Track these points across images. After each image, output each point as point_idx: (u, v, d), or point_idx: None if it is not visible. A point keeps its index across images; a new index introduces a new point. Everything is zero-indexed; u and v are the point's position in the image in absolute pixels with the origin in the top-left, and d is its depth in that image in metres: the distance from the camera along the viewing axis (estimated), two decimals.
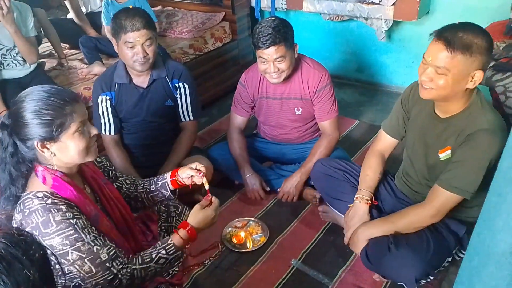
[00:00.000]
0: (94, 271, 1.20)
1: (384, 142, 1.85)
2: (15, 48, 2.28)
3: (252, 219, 2.12)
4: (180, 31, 3.26)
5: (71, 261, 1.18)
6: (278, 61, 1.97)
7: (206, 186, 1.50)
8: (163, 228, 1.74)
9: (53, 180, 1.21)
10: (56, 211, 1.16)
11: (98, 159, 1.53)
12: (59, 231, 1.15)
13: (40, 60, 2.64)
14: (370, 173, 1.81)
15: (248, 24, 3.50)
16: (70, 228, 1.16)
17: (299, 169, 2.20)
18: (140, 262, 1.29)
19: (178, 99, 2.15)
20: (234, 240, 2.00)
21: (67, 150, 1.21)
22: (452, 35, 1.35)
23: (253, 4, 3.52)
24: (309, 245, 1.97)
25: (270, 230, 2.05)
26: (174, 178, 1.56)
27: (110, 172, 1.57)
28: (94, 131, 1.26)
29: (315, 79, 2.10)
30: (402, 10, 2.89)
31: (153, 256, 1.32)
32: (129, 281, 1.26)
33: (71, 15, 3.16)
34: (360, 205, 1.75)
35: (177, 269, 1.63)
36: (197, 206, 1.43)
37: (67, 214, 1.17)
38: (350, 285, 1.75)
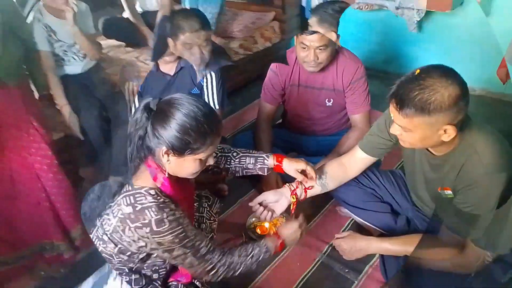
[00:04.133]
0: (195, 263, 1.28)
1: (357, 158, 1.70)
2: (76, 44, 2.35)
3: None
4: (231, 30, 3.24)
5: (175, 256, 1.25)
6: (320, 49, 1.92)
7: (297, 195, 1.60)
8: (194, 218, 1.73)
9: (164, 179, 1.24)
10: (169, 210, 1.20)
11: None
12: (171, 229, 1.20)
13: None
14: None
15: (297, 24, 3.46)
16: (180, 227, 1.21)
17: (324, 159, 2.16)
18: (237, 255, 1.36)
19: (204, 88, 2.13)
20: (258, 231, 1.99)
21: (182, 167, 1.25)
22: (405, 95, 1.22)
23: (303, 3, 3.45)
24: (334, 238, 1.93)
25: None
26: (278, 164, 1.59)
27: None
28: (211, 162, 1.31)
29: (350, 71, 2.05)
30: (436, 0, 2.79)
31: (248, 252, 1.38)
32: (225, 271, 1.33)
33: (126, 14, 3.17)
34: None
35: None
36: (295, 224, 1.51)
37: (176, 213, 1.22)
38: (377, 282, 1.72)
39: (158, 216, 1.18)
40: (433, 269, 1.52)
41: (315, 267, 1.81)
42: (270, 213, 1.63)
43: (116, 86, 2.48)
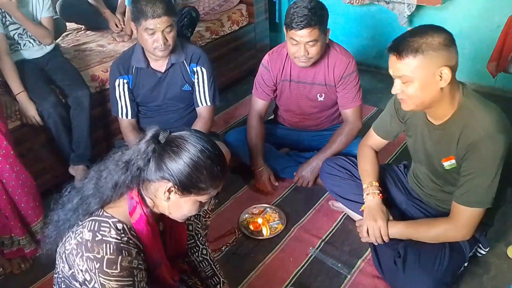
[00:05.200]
0: None
1: (375, 140, 1.81)
2: None
3: (269, 206, 2.11)
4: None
5: None
6: (310, 44, 1.91)
7: None
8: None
9: (139, 217, 1.13)
10: (126, 254, 1.08)
11: None
12: (119, 277, 1.08)
13: (57, 41, 2.62)
14: (369, 166, 1.77)
15: (265, 7, 3.42)
16: (130, 279, 1.10)
17: (316, 155, 2.17)
18: None
19: (196, 84, 2.12)
20: (251, 227, 1.99)
21: (180, 207, 1.14)
22: (400, 44, 1.35)
23: None
24: (327, 233, 1.95)
25: (287, 217, 2.04)
26: None
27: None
28: (206, 207, 1.26)
29: (342, 66, 2.05)
30: None
31: None
32: None
33: None
34: (374, 200, 1.68)
35: None
36: None
37: (133, 262, 1.10)
38: (370, 276, 1.73)
39: (113, 257, 1.06)
40: (430, 248, 1.55)
41: (308, 262, 1.81)
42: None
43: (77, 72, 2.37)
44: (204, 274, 1.47)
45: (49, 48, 2.37)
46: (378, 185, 1.72)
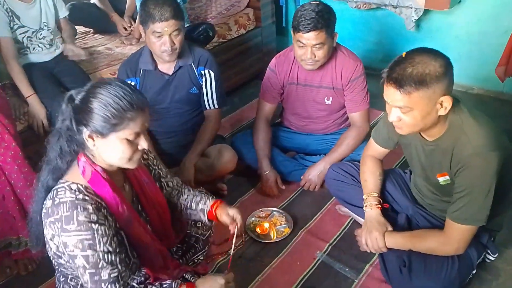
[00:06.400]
0: (89, 286, 1.18)
1: (376, 150, 1.79)
2: (41, 30, 2.27)
3: (276, 209, 2.10)
4: (204, 17, 3.22)
5: (76, 265, 1.17)
6: (317, 47, 1.91)
7: (233, 241, 1.52)
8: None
9: (92, 174, 1.19)
10: (82, 209, 1.14)
11: (145, 156, 1.48)
12: (77, 231, 1.13)
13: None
14: (368, 177, 1.76)
15: (272, 11, 3.43)
16: (89, 232, 1.14)
17: (323, 158, 2.16)
18: None
19: (203, 87, 2.12)
20: (258, 230, 1.98)
21: (110, 150, 1.19)
22: (401, 74, 1.28)
23: None
24: (334, 237, 1.93)
25: (294, 221, 2.03)
26: (211, 210, 1.54)
27: (155, 170, 1.53)
28: (144, 146, 1.23)
29: (349, 69, 2.05)
30: None
31: None
32: None
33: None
34: (372, 212, 1.69)
35: (201, 258, 1.63)
36: (219, 278, 1.32)
37: (91, 216, 1.15)
38: (377, 280, 1.71)
39: (68, 213, 1.12)
40: (436, 257, 1.53)
41: (315, 267, 1.80)
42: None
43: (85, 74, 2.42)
44: (195, 205, 1.55)
45: (57, 51, 2.39)
46: (377, 195, 1.72)
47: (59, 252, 1.20)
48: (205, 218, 1.56)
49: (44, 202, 1.20)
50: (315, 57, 1.94)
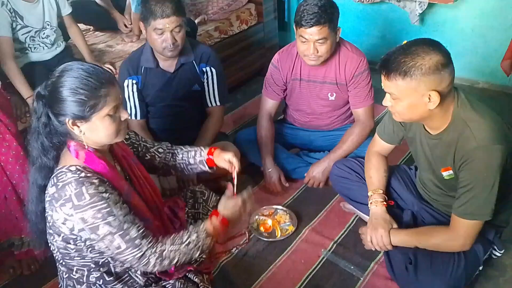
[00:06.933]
0: (123, 247, 1.21)
1: (381, 146, 1.78)
2: (44, 29, 2.26)
3: (280, 207, 2.08)
4: (206, 13, 3.19)
5: (101, 235, 1.19)
6: (320, 42, 1.89)
7: (235, 181, 1.51)
8: (190, 215, 1.73)
9: (86, 154, 1.22)
10: (89, 184, 1.17)
11: (126, 136, 1.53)
12: (92, 203, 1.16)
13: (68, 42, 2.63)
14: (373, 174, 1.75)
15: (274, 7, 3.41)
16: (103, 201, 1.17)
17: (327, 155, 2.14)
18: (170, 243, 1.28)
19: (205, 84, 2.11)
20: (262, 229, 1.97)
21: (97, 131, 1.22)
22: (391, 62, 1.31)
23: None
24: (339, 235, 1.92)
25: (298, 218, 2.01)
26: (210, 157, 1.58)
27: (140, 145, 1.58)
28: (125, 116, 1.26)
29: (353, 64, 2.02)
30: None
31: (184, 239, 1.30)
32: (158, 260, 1.26)
33: None
34: (377, 209, 1.67)
35: (204, 256, 1.63)
36: (224, 197, 1.44)
37: (99, 188, 1.18)
38: (383, 278, 1.69)
39: (77, 190, 1.15)
40: (442, 254, 1.52)
41: (320, 264, 1.79)
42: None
43: None
44: (193, 160, 1.61)
45: (59, 49, 2.38)
46: (382, 192, 1.70)
47: (73, 235, 1.21)
48: (206, 167, 1.61)
49: (46, 191, 1.22)
50: (318, 52, 1.92)
